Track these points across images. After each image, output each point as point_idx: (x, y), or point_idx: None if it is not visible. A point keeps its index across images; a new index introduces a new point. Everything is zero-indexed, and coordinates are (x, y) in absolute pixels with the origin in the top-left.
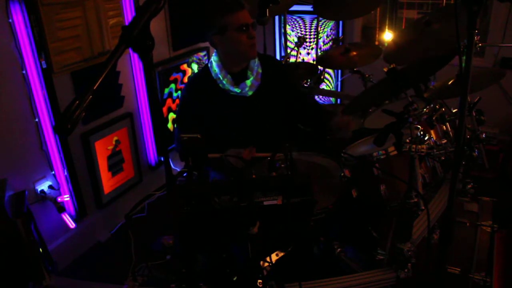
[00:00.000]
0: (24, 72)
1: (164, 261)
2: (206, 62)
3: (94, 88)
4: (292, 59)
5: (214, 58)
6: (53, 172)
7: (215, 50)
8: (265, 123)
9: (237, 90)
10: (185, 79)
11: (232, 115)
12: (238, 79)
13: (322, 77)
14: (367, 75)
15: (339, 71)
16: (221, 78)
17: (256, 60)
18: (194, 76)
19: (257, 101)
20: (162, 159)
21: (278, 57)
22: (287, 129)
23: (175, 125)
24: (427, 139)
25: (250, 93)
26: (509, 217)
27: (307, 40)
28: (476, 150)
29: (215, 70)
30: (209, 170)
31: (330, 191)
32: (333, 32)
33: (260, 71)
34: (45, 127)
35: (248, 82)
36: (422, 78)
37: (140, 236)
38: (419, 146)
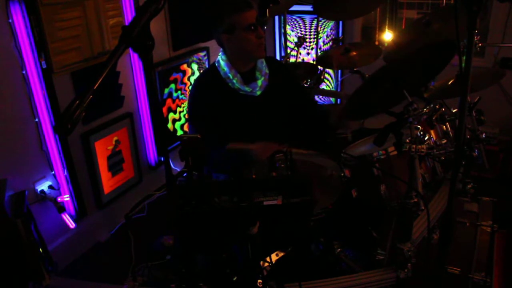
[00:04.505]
0: (24, 72)
1: (164, 261)
2: (206, 62)
3: (94, 88)
4: (292, 59)
5: (222, 57)
6: (53, 172)
7: (221, 49)
8: (272, 123)
9: (248, 89)
10: (185, 79)
11: (241, 114)
12: (247, 78)
13: (322, 77)
14: (367, 75)
15: (339, 71)
16: (231, 77)
17: (263, 60)
18: (201, 75)
19: (265, 101)
20: (162, 159)
21: (278, 57)
22: (291, 129)
23: (192, 126)
24: (427, 139)
25: (258, 93)
26: (509, 217)
27: (307, 40)
28: (476, 150)
29: (224, 70)
30: (212, 170)
31: (330, 191)
32: (333, 32)
33: (267, 71)
34: (45, 127)
35: (259, 82)
36: (422, 79)
37: (140, 236)
38: (419, 146)
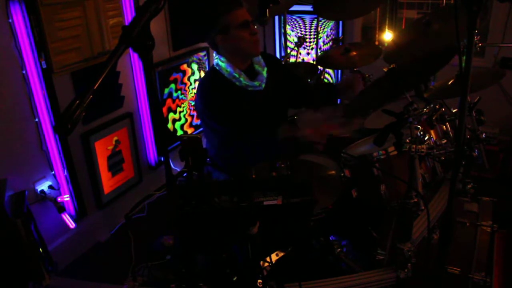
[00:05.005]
0: (24, 72)
1: (164, 261)
2: (206, 62)
3: (94, 88)
4: (292, 59)
5: (220, 60)
6: (53, 172)
7: (214, 53)
8: (279, 113)
9: (257, 83)
10: (185, 79)
11: (252, 109)
12: (249, 74)
13: (322, 77)
14: (367, 75)
15: (339, 71)
16: (237, 76)
17: (259, 55)
18: (205, 81)
19: (269, 93)
20: (162, 159)
21: (278, 57)
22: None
23: (223, 124)
24: (427, 139)
25: (263, 86)
26: (509, 217)
27: (307, 40)
28: (476, 150)
29: (227, 70)
30: (212, 170)
31: (330, 191)
32: (333, 32)
33: (265, 64)
34: (45, 127)
35: (264, 73)
36: (422, 78)
37: (140, 236)
38: (419, 146)
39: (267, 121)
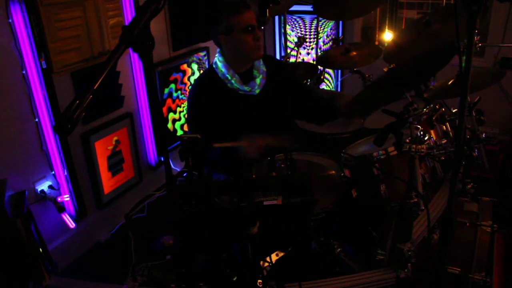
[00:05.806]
0: (24, 72)
1: (164, 261)
2: (206, 62)
3: (94, 88)
4: (292, 59)
5: (219, 59)
6: (53, 172)
7: (218, 50)
8: (272, 121)
9: (247, 88)
10: (185, 79)
11: (240, 114)
12: (245, 78)
13: (322, 77)
14: (367, 75)
15: (339, 71)
16: (229, 78)
17: (261, 60)
18: (199, 78)
19: (264, 99)
20: (162, 159)
21: (278, 57)
22: (291, 128)
23: (189, 128)
24: (427, 139)
25: (257, 91)
26: (509, 217)
27: (307, 40)
28: (476, 150)
29: (222, 71)
30: (212, 170)
31: (330, 191)
32: (333, 32)
33: (265, 69)
34: (45, 127)
35: (258, 80)
36: (422, 79)
37: (140, 236)
38: (419, 146)
39: (256, 127)
